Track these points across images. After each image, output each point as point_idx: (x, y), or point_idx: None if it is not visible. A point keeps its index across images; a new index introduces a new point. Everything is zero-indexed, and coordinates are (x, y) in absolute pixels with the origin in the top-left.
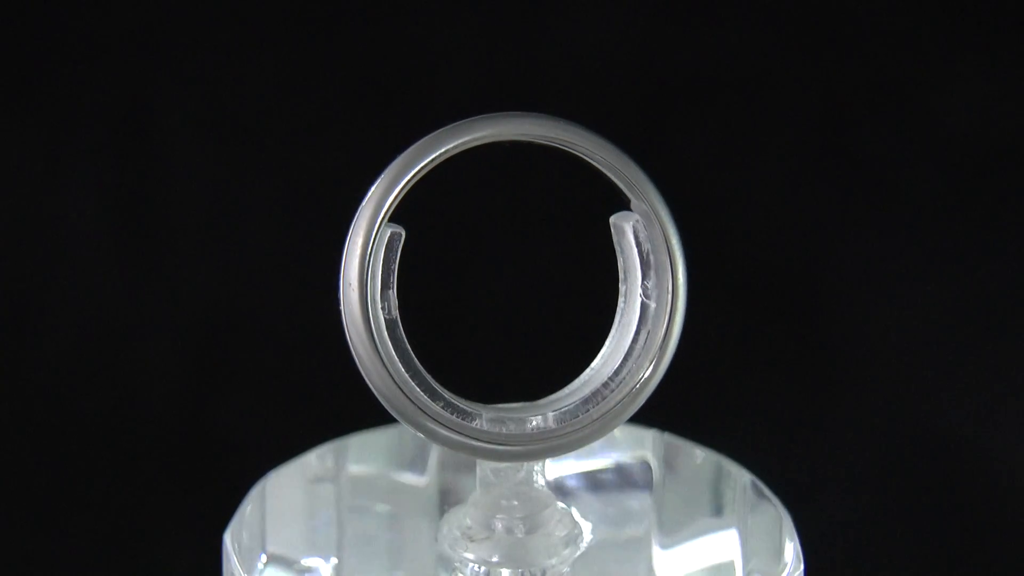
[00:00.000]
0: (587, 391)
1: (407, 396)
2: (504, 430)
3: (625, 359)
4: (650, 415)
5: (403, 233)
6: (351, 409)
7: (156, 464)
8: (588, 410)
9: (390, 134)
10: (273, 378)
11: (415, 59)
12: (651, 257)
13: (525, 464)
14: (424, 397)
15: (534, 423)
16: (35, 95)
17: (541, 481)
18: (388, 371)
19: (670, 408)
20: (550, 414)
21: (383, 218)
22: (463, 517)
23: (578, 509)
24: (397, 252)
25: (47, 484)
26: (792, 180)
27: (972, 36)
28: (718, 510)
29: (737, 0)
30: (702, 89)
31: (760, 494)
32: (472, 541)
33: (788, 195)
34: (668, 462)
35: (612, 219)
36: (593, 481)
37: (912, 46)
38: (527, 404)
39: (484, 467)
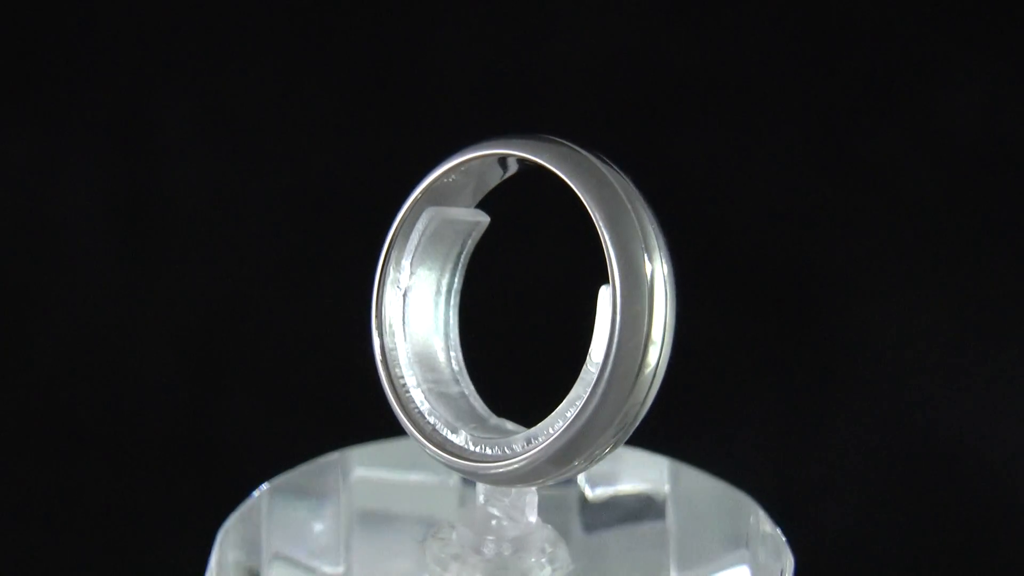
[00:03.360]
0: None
1: (392, 386)
2: (479, 449)
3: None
4: (646, 417)
5: (457, 219)
6: (351, 411)
7: (155, 465)
8: (527, 443)
9: (392, 135)
10: (274, 379)
11: (417, 60)
12: (604, 325)
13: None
14: (406, 385)
15: (513, 446)
16: (35, 95)
17: (532, 504)
18: (383, 353)
19: (668, 409)
20: (519, 438)
21: (416, 199)
22: (450, 536)
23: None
24: (434, 233)
25: (46, 485)
26: (791, 181)
27: (972, 36)
28: (731, 541)
29: (737, 0)
30: (702, 89)
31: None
32: (459, 562)
33: (787, 196)
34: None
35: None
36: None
37: (912, 46)
38: (521, 428)
39: (481, 484)
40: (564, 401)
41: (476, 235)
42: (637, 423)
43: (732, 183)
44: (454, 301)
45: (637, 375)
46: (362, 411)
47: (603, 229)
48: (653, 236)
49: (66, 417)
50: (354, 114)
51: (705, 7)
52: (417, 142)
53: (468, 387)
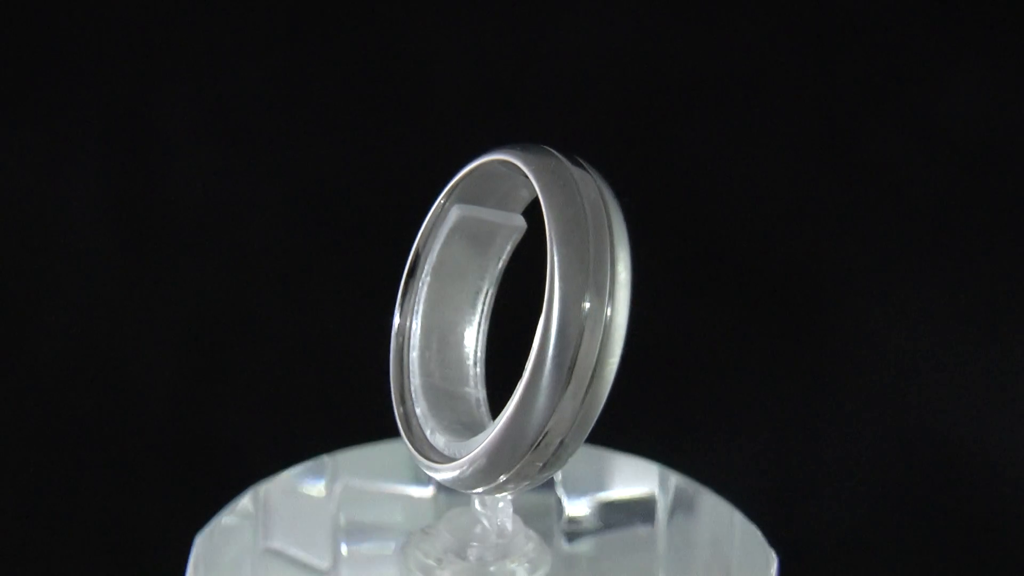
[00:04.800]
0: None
1: (400, 370)
2: (447, 451)
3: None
4: (644, 415)
5: (489, 222)
6: (351, 411)
7: (154, 465)
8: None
9: (391, 135)
10: (273, 379)
11: (416, 59)
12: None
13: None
14: (405, 377)
15: (463, 452)
16: (36, 95)
17: (506, 511)
18: (400, 347)
19: (667, 409)
20: (466, 444)
21: (445, 198)
22: (432, 542)
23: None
24: (466, 231)
25: (44, 485)
26: (790, 180)
27: (972, 36)
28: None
29: (737, 0)
30: (702, 89)
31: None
32: (441, 567)
33: (786, 196)
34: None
35: None
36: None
37: (912, 46)
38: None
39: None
40: (503, 411)
41: (515, 238)
42: (579, 439)
43: (731, 182)
44: (488, 304)
45: (560, 397)
46: (361, 411)
47: (552, 253)
48: (608, 268)
49: (66, 416)
50: (354, 116)
51: (706, 7)
52: (417, 144)
53: (480, 392)
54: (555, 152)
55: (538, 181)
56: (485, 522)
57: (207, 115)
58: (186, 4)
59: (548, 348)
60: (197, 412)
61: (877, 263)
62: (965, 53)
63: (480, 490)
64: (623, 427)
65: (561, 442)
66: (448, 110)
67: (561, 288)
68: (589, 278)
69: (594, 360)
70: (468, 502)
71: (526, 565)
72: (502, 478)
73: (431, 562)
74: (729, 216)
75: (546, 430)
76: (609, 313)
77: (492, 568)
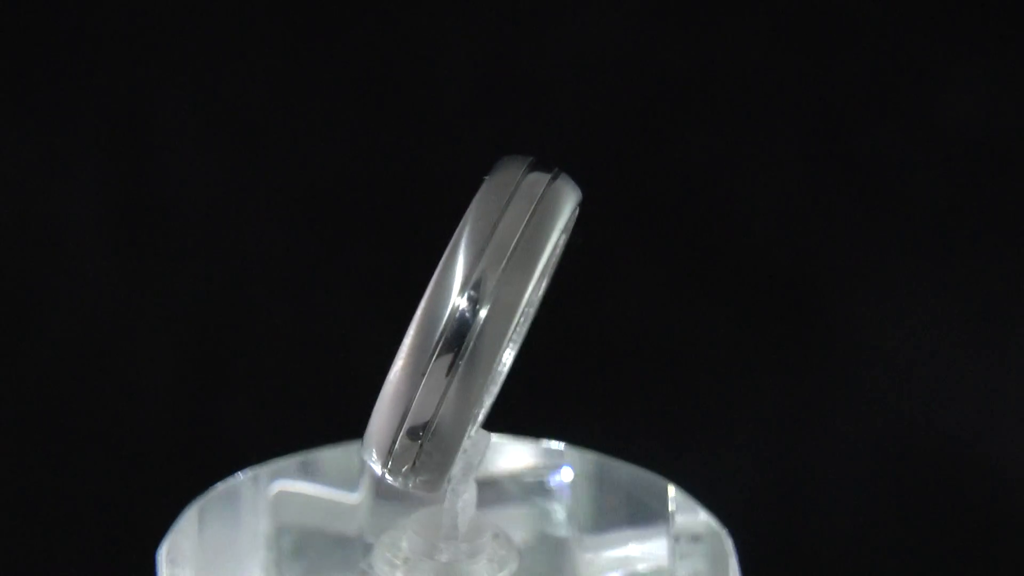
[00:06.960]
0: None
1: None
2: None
3: None
4: (644, 413)
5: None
6: (349, 410)
7: (153, 464)
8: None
9: (390, 134)
10: (273, 379)
11: (415, 58)
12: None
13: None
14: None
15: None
16: (35, 95)
17: (471, 502)
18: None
19: (665, 408)
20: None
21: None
22: (399, 541)
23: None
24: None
25: (44, 484)
26: (791, 181)
27: (972, 36)
28: (648, 521)
29: (737, 0)
30: (701, 89)
31: (695, 511)
32: (408, 566)
33: (786, 196)
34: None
35: None
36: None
37: (912, 46)
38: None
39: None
40: None
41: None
42: (451, 437)
43: (729, 182)
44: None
45: (417, 388)
46: (361, 411)
47: (445, 257)
48: (491, 284)
49: (65, 416)
50: (355, 117)
51: (706, 8)
52: (418, 145)
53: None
54: (528, 165)
55: (480, 189)
56: (453, 521)
57: (207, 116)
58: (186, 4)
59: (409, 340)
60: (196, 412)
61: (876, 263)
62: (965, 53)
63: (387, 482)
64: (622, 426)
65: (422, 446)
66: (449, 111)
67: (435, 291)
68: (465, 289)
69: (452, 363)
70: (437, 501)
71: (493, 564)
72: (385, 468)
73: (398, 562)
74: (727, 216)
75: (406, 425)
76: (483, 316)
77: (459, 568)
